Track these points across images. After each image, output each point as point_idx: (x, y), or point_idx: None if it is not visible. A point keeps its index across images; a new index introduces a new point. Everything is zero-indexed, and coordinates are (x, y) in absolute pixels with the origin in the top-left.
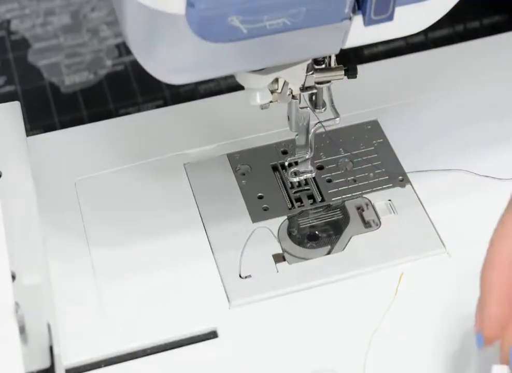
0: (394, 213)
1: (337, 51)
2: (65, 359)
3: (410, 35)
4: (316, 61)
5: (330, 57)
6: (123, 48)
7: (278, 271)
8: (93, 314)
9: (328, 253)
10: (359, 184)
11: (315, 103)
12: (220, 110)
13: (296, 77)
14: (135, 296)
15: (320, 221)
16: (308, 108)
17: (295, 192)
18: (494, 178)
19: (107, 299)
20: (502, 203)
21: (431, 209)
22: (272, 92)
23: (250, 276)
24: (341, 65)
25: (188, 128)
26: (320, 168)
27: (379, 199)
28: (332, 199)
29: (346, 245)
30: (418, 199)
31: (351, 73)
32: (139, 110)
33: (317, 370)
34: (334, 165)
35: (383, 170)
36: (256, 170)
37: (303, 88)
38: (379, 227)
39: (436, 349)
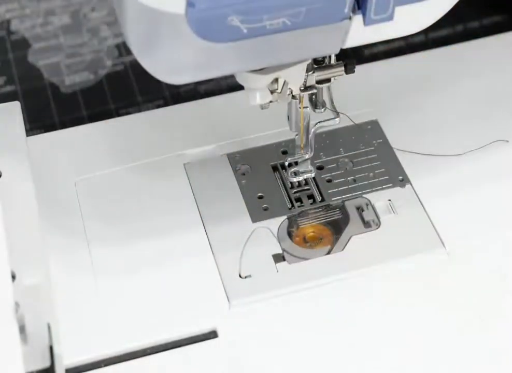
0: (394, 213)
1: (337, 51)
2: (65, 359)
3: (410, 35)
4: (316, 61)
5: (330, 56)
6: (123, 48)
7: (277, 271)
8: (93, 314)
9: (328, 253)
10: (359, 184)
11: (315, 103)
12: (220, 110)
13: (296, 77)
14: (135, 295)
15: (319, 221)
16: (308, 108)
17: (295, 192)
18: (495, 179)
19: (107, 298)
20: (503, 204)
21: (431, 209)
22: (272, 92)
23: (249, 276)
24: (340, 61)
25: (188, 128)
26: (320, 168)
27: (378, 199)
28: (332, 199)
29: (346, 245)
30: (418, 199)
31: (349, 68)
32: (139, 110)
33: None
34: (334, 165)
35: (383, 170)
36: (256, 170)
37: (304, 88)
38: (379, 227)
39: (435, 349)
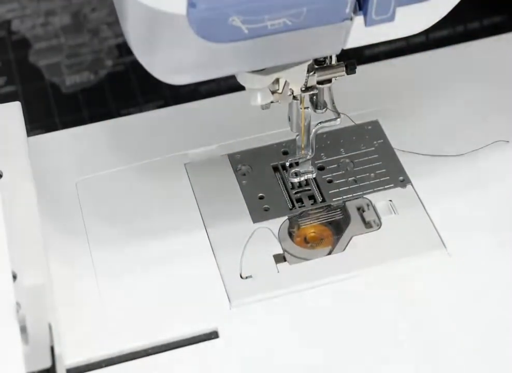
0: (395, 213)
1: (338, 51)
2: (66, 359)
3: (411, 35)
4: (317, 61)
5: (331, 56)
6: (124, 49)
7: (278, 271)
8: (94, 314)
9: (329, 253)
10: (360, 184)
11: (316, 103)
12: (221, 110)
13: (297, 77)
14: (136, 296)
15: (320, 222)
16: (309, 108)
17: (295, 193)
18: (496, 179)
19: (108, 299)
20: (503, 205)
21: (432, 209)
22: (273, 92)
23: (250, 276)
24: (341, 62)
25: (189, 128)
26: (321, 168)
27: (379, 199)
28: (333, 199)
29: (347, 245)
30: (419, 199)
31: (350, 68)
32: (139, 110)
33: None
34: (335, 165)
35: (384, 170)
36: (257, 170)
37: (305, 89)
38: (380, 227)
39: (436, 349)
